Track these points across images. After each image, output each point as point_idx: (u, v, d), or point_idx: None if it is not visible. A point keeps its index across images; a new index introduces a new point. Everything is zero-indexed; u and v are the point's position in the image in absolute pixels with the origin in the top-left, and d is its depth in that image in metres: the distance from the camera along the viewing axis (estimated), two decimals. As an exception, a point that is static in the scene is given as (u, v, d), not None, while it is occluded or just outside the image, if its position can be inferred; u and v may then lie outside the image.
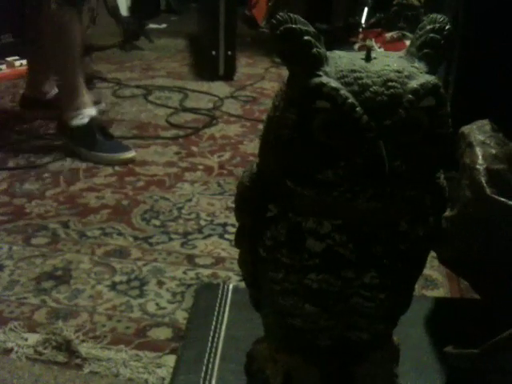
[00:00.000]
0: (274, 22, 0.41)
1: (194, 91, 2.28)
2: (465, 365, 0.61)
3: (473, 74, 1.23)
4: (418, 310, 0.76)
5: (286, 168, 0.43)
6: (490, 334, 0.63)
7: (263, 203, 0.47)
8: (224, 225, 1.34)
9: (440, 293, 1.10)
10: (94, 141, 1.68)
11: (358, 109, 0.39)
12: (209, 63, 2.44)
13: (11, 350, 0.95)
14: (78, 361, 0.93)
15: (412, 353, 0.65)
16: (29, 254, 1.22)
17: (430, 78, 0.41)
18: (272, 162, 0.45)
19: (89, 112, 1.71)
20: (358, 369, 0.54)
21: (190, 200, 1.46)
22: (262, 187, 0.47)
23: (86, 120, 1.69)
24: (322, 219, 0.44)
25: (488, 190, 0.66)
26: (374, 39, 2.70)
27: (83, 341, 0.97)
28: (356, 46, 2.68)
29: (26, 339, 0.97)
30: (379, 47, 2.56)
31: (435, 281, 1.13)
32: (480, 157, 0.69)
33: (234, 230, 1.28)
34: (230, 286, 0.85)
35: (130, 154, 1.69)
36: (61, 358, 0.94)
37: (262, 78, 2.46)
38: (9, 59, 2.41)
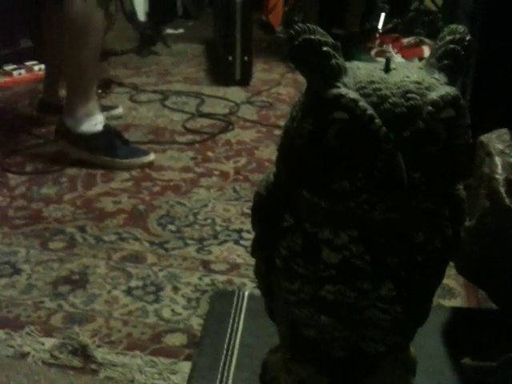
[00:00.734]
0: (293, 32, 0.41)
1: (210, 96, 2.29)
2: (482, 377, 0.60)
3: (491, 80, 1.22)
4: (435, 320, 0.75)
5: (302, 178, 0.43)
6: (508, 345, 0.62)
7: (279, 213, 0.47)
8: (239, 231, 1.34)
9: (457, 302, 1.09)
10: (113, 147, 1.66)
11: (376, 120, 0.39)
12: (225, 68, 2.45)
13: (27, 354, 0.95)
14: (93, 366, 0.94)
15: (428, 363, 0.64)
16: (46, 258, 1.23)
17: (450, 90, 0.41)
18: (288, 172, 0.45)
19: (100, 119, 1.68)
20: (370, 379, 0.54)
21: (205, 206, 1.47)
22: (279, 197, 0.47)
23: (100, 127, 1.67)
24: (338, 230, 0.44)
25: (507, 200, 0.65)
26: (390, 45, 2.69)
27: (99, 346, 0.98)
28: (373, 52, 2.67)
29: (43, 343, 0.98)
30: (396, 53, 2.55)
31: (452, 290, 1.12)
32: (499, 166, 0.69)
33: (249, 236, 1.29)
34: (246, 293, 0.85)
35: (150, 158, 1.70)
36: (76, 362, 0.94)
37: (278, 84, 2.47)
38: (28, 63, 2.44)
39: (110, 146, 1.66)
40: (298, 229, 0.46)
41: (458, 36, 0.43)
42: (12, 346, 0.97)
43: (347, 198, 0.41)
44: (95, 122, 1.67)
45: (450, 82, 0.42)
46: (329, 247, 0.44)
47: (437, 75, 0.42)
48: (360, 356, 0.51)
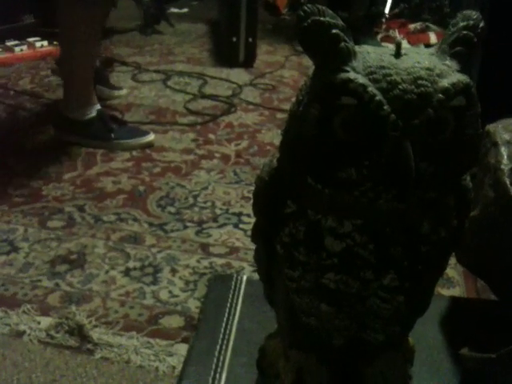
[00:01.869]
0: (301, 13, 0.40)
1: (213, 78, 2.27)
2: (480, 369, 0.59)
3: (499, 68, 1.21)
4: (434, 309, 0.75)
5: (306, 164, 0.42)
6: (507, 337, 0.61)
7: (282, 199, 0.46)
8: (239, 214, 1.34)
9: (456, 291, 1.09)
10: (109, 130, 1.66)
11: (385, 107, 0.38)
12: (229, 49, 2.42)
13: (24, 332, 0.95)
14: (89, 346, 0.94)
15: (426, 353, 0.64)
16: (44, 237, 1.23)
17: (462, 77, 0.39)
18: (292, 158, 0.43)
19: (95, 105, 1.68)
20: (370, 369, 0.53)
21: (205, 188, 1.46)
22: (282, 183, 0.46)
23: (94, 112, 1.66)
24: (342, 218, 0.43)
25: (512, 192, 0.64)
26: (397, 30, 2.66)
27: (95, 326, 0.97)
28: (379, 37, 2.64)
29: (39, 322, 0.98)
30: (402, 38, 2.52)
31: (452, 279, 1.12)
32: (505, 157, 0.67)
33: (249, 219, 1.28)
34: (244, 278, 0.84)
35: (149, 138, 1.68)
36: (72, 342, 0.94)
37: (282, 66, 2.44)
38: (30, 40, 2.42)
39: (106, 130, 1.66)
40: (300, 216, 0.44)
41: (471, 22, 0.41)
42: (8, 325, 0.97)
43: (352, 186, 0.40)
44: (90, 109, 1.66)
45: (462, 70, 0.40)
46: (332, 235, 0.43)
47: (448, 62, 0.40)
48: (360, 345, 0.50)
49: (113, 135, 1.65)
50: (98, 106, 1.68)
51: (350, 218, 0.43)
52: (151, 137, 1.69)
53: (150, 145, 1.68)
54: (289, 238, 0.46)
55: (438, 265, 0.48)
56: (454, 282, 1.12)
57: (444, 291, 1.08)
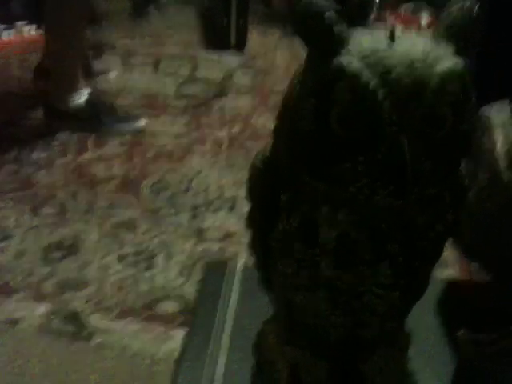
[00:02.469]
0: (295, -3, 0.39)
1: (204, 61, 2.25)
2: (479, 350, 0.60)
3: (493, 50, 1.20)
4: (429, 292, 0.75)
5: (301, 159, 0.41)
6: (503, 319, 0.62)
7: (275, 190, 0.46)
8: (233, 199, 1.33)
9: (449, 272, 1.09)
10: (99, 117, 1.63)
11: (380, 91, 0.38)
12: (220, 32, 2.40)
13: (19, 320, 0.95)
14: (85, 333, 0.94)
15: (421, 336, 0.64)
16: (36, 224, 1.22)
17: (458, 61, 0.39)
18: (287, 152, 0.43)
19: (84, 92, 1.65)
20: (367, 365, 0.53)
21: (199, 173, 1.45)
22: (276, 173, 0.45)
23: (83, 99, 1.63)
24: (337, 214, 0.42)
25: (506, 176, 0.64)
26: (388, 11, 2.64)
27: (91, 313, 0.97)
28: (371, 17, 2.62)
29: (34, 310, 0.97)
30: (393, 19, 2.51)
31: (445, 259, 1.12)
32: (499, 140, 0.67)
33: (243, 204, 1.27)
34: (239, 264, 0.84)
35: (140, 124, 1.67)
36: (69, 329, 0.94)
37: (274, 49, 2.42)
38: (18, 24, 2.38)
39: (96, 117, 1.63)
40: (294, 210, 0.44)
41: (466, 4, 0.41)
42: (3, 312, 0.97)
43: (347, 182, 0.40)
44: (79, 96, 1.63)
45: (458, 53, 0.40)
46: (326, 232, 0.43)
47: (444, 46, 0.40)
48: (356, 341, 0.50)
49: (103, 121, 1.63)
50: (88, 92, 1.66)
51: (345, 213, 0.42)
52: (142, 122, 1.68)
53: (141, 130, 1.66)
54: (282, 233, 0.46)
55: (432, 258, 0.48)
56: (448, 263, 1.12)
57: (437, 272, 1.08)
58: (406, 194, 0.39)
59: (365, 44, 0.39)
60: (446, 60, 0.39)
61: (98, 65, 2.09)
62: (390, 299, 0.45)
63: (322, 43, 0.40)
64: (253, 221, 0.51)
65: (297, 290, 0.47)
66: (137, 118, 1.69)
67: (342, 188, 0.40)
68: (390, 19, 2.49)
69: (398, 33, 0.40)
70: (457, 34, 0.41)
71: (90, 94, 1.66)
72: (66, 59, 1.61)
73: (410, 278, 0.45)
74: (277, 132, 0.44)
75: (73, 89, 1.63)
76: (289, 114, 0.42)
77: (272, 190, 0.45)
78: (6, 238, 1.17)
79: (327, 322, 0.48)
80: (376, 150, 0.38)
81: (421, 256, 0.45)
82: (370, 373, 0.52)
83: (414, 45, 0.39)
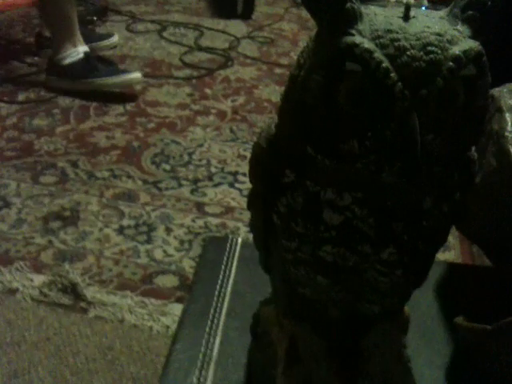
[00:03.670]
0: (305, -29, 0.37)
1: (209, 29, 2.21)
2: (475, 339, 0.59)
3: (505, 29, 1.17)
4: (430, 275, 0.74)
5: (307, 134, 0.40)
6: (504, 307, 0.61)
7: (280, 168, 0.44)
8: (235, 173, 1.32)
9: (451, 255, 1.09)
10: (94, 69, 1.62)
11: (392, 74, 0.36)
12: (227, 0, 2.35)
13: (16, 290, 0.95)
14: (83, 304, 0.93)
15: (420, 320, 0.63)
16: (37, 193, 1.21)
17: (474, 45, 0.37)
18: (292, 126, 0.41)
19: (82, 49, 1.64)
20: (365, 340, 0.53)
21: (201, 145, 1.43)
22: (280, 150, 0.44)
23: (81, 55, 1.63)
24: (342, 190, 0.41)
25: (516, 160, 0.62)
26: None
27: (89, 284, 0.97)
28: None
29: (32, 280, 0.97)
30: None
31: (447, 242, 1.11)
32: (510, 123, 0.66)
33: (244, 179, 1.26)
34: (239, 240, 0.83)
35: (135, 75, 1.64)
36: (66, 300, 0.94)
37: (281, 19, 2.38)
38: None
39: (91, 68, 1.62)
40: (299, 186, 0.43)
41: (485, -16, 0.39)
42: (1, 282, 0.96)
43: (355, 158, 0.38)
44: (77, 53, 1.62)
45: (474, 36, 0.38)
46: (331, 208, 0.41)
47: (460, 27, 0.38)
48: (355, 316, 0.49)
49: (96, 73, 1.61)
50: (86, 48, 1.65)
51: (350, 190, 0.41)
52: (137, 74, 1.65)
53: (136, 82, 1.64)
54: (286, 208, 0.44)
55: (438, 239, 0.47)
56: (450, 246, 1.11)
57: (439, 255, 1.08)
58: (415, 172, 0.38)
59: (377, 23, 0.37)
60: (461, 43, 0.37)
61: (101, 30, 2.06)
62: (393, 276, 0.44)
63: (333, 19, 0.38)
64: (255, 201, 0.50)
65: (298, 264, 0.46)
66: (132, 70, 1.67)
67: (349, 164, 0.38)
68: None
69: (411, 12, 0.38)
70: (473, 15, 0.39)
71: (87, 53, 1.64)
72: (60, 12, 1.60)
73: (414, 256, 0.44)
74: (283, 107, 0.42)
75: (70, 43, 1.62)
76: (295, 87, 0.40)
77: (276, 168, 0.44)
78: (6, 206, 1.16)
79: (327, 297, 0.47)
80: (385, 126, 0.37)
81: (426, 236, 0.43)
82: (367, 348, 0.51)
83: (428, 26, 0.37)
